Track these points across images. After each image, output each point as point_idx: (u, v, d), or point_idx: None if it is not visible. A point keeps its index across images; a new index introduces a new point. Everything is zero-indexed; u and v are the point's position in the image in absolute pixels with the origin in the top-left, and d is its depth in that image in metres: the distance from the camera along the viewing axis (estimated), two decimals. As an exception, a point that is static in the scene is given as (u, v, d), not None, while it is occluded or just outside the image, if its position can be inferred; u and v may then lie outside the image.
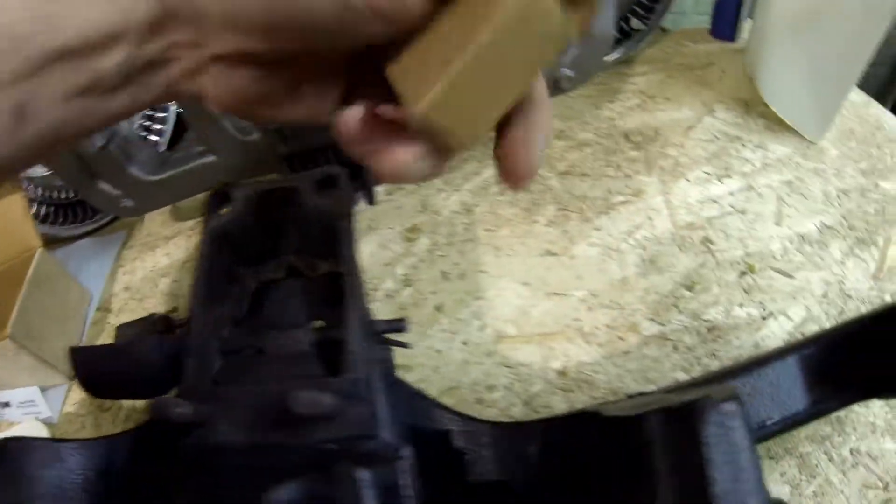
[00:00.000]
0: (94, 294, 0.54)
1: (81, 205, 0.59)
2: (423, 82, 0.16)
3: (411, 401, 0.33)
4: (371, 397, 0.28)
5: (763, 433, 0.35)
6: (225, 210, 0.40)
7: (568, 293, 0.44)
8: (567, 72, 0.47)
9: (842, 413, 0.41)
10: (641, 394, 0.35)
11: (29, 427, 0.45)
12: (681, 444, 0.23)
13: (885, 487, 0.40)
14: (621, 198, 0.48)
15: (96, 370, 0.35)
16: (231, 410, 0.28)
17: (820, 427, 0.41)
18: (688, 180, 0.48)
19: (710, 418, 0.22)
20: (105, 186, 0.50)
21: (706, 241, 0.46)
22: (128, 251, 0.58)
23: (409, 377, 0.43)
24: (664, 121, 0.52)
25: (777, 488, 0.39)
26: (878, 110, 0.58)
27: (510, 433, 0.30)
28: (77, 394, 0.48)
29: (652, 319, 0.42)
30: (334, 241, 0.36)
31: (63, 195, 0.58)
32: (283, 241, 0.42)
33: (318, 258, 0.41)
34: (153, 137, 0.62)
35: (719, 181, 0.49)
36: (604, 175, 0.50)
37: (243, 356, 0.34)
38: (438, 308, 0.46)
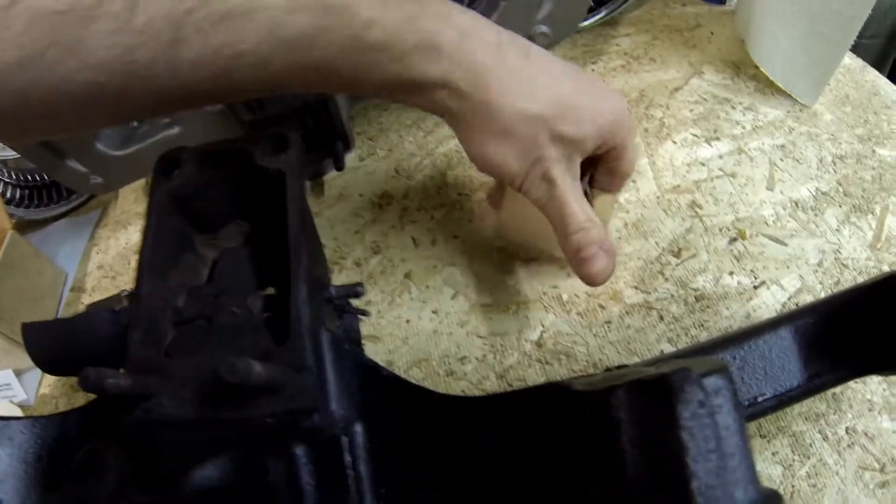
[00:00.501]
0: (69, 274, 0.53)
1: (56, 186, 0.58)
2: None
3: (366, 373, 0.29)
4: (317, 368, 0.26)
5: (754, 411, 0.31)
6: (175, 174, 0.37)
7: (542, 260, 0.40)
8: (542, 28, 0.44)
9: (837, 390, 0.38)
10: (622, 366, 0.32)
11: (3, 410, 0.44)
12: (653, 426, 0.19)
13: (882, 469, 0.37)
14: (604, 160, 0.44)
15: (48, 346, 0.33)
16: (174, 383, 0.26)
17: (814, 404, 0.38)
18: (674, 142, 0.45)
19: (689, 396, 0.19)
20: (73, 164, 0.48)
21: (694, 205, 0.42)
22: (101, 230, 0.56)
23: (378, 349, 0.40)
24: (649, 82, 0.49)
25: (768, 468, 0.36)
26: (874, 76, 0.55)
27: (471, 408, 0.27)
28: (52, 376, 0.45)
29: (636, 287, 0.39)
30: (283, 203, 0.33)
31: (36, 178, 0.57)
32: (238, 206, 0.39)
33: (271, 222, 0.38)
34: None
35: (708, 143, 0.45)
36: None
37: (195, 326, 0.31)
38: (408, 276, 0.42)
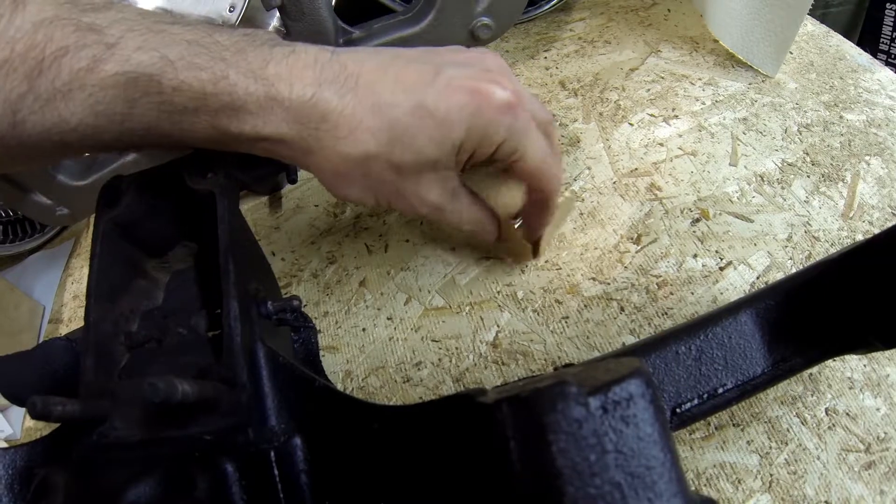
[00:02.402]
0: (46, 307, 0.53)
1: (28, 220, 0.58)
2: None
3: (303, 386, 0.28)
4: (252, 383, 0.26)
5: (716, 403, 0.30)
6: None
7: (497, 257, 0.39)
8: (485, 20, 0.43)
9: (814, 370, 0.37)
10: (569, 364, 0.30)
11: (-9, 446, 0.44)
12: (532, 446, 0.17)
13: (867, 449, 0.35)
14: (557, 148, 0.43)
15: (10, 379, 0.33)
16: (124, 406, 0.27)
17: (790, 387, 0.36)
18: (630, 124, 0.43)
19: (562, 415, 0.17)
20: (37, 197, 0.49)
21: (653, 187, 0.41)
22: (75, 260, 0.56)
23: (337, 359, 0.39)
24: (604, 65, 0.47)
25: (744, 458, 0.34)
26: (838, 40, 0.53)
27: (396, 417, 0.25)
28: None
29: (593, 279, 0.37)
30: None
31: (8, 213, 0.57)
32: (182, 228, 0.39)
33: (211, 241, 0.38)
34: None
35: (666, 123, 0.43)
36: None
37: (147, 349, 0.32)
38: (362, 283, 0.41)
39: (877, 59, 0.68)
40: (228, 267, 0.30)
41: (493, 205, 0.32)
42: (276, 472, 0.25)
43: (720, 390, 0.29)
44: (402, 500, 0.24)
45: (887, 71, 0.51)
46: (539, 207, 0.32)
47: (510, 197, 0.32)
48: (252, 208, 0.49)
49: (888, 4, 0.64)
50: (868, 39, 0.69)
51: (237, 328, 0.27)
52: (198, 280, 0.37)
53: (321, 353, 0.39)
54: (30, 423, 0.45)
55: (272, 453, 0.25)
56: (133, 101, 0.25)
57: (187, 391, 0.23)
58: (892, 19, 0.66)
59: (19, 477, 0.30)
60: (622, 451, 0.18)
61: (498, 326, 0.36)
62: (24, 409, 0.47)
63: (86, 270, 0.53)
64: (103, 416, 0.26)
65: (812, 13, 0.54)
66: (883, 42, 0.68)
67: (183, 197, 0.37)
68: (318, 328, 0.40)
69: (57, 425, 0.31)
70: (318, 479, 0.26)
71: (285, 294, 0.42)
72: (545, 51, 0.49)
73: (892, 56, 0.68)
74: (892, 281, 0.29)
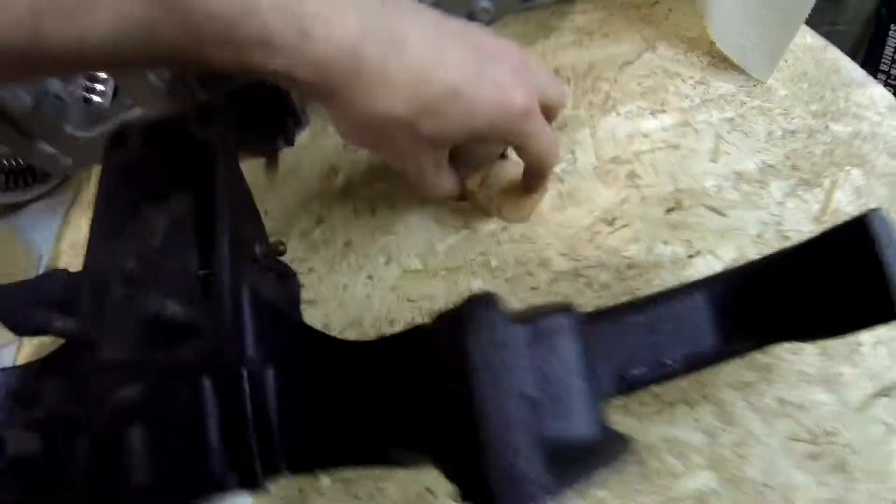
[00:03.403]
0: (44, 254, 0.55)
1: (30, 170, 0.60)
2: None
3: (280, 322, 0.30)
4: (235, 315, 0.28)
5: (663, 373, 0.31)
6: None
7: (477, 228, 0.41)
8: (484, 3, 0.44)
9: (769, 360, 0.38)
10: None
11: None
12: (451, 358, 0.19)
13: (814, 441, 0.37)
14: (544, 131, 0.44)
15: (10, 307, 0.34)
16: (116, 330, 0.28)
17: (743, 374, 0.37)
18: (618, 114, 0.45)
19: (483, 328, 0.19)
20: (42, 146, 0.49)
21: (632, 175, 0.42)
22: (74, 210, 0.57)
23: (316, 312, 0.41)
24: (599, 56, 0.49)
25: (690, 435, 0.35)
26: (836, 55, 0.54)
27: (364, 352, 0.27)
28: (28, 349, 0.47)
29: (565, 255, 0.39)
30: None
31: (10, 162, 0.58)
32: (183, 175, 0.41)
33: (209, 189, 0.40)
34: (96, 98, 0.62)
35: (653, 116, 0.45)
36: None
37: (142, 283, 0.33)
38: (347, 244, 0.43)
39: (876, 78, 0.69)
40: (223, 210, 0.32)
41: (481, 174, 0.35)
42: (247, 394, 0.26)
43: (668, 362, 0.31)
44: (365, 431, 0.26)
45: (881, 88, 0.52)
46: (533, 178, 0.36)
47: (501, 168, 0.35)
48: (249, 170, 0.51)
49: (892, 26, 0.65)
50: (870, 59, 0.70)
51: (226, 264, 0.29)
52: (194, 225, 0.39)
53: (302, 305, 0.41)
54: (20, 361, 0.47)
55: (245, 376, 0.26)
56: (158, 24, 0.24)
57: (176, 311, 0.26)
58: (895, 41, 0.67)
59: (12, 397, 0.31)
60: (544, 374, 0.20)
61: (470, 291, 0.38)
62: (14, 351, 0.49)
63: (84, 221, 0.56)
64: (96, 338, 0.28)
65: (818, 29, 0.55)
66: (884, 63, 0.68)
67: (185, 146, 0.39)
68: (302, 283, 0.42)
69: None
70: (286, 410, 0.27)
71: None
72: (544, 39, 0.50)
73: (892, 77, 0.69)
74: (834, 275, 0.30)
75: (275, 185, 0.48)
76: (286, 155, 0.51)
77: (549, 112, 0.35)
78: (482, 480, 0.18)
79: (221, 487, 0.25)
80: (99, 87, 0.61)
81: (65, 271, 0.36)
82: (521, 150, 0.33)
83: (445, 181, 0.34)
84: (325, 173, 0.48)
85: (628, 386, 0.31)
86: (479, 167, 0.36)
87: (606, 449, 0.21)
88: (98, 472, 0.25)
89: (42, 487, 0.26)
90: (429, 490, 0.34)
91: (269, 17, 0.24)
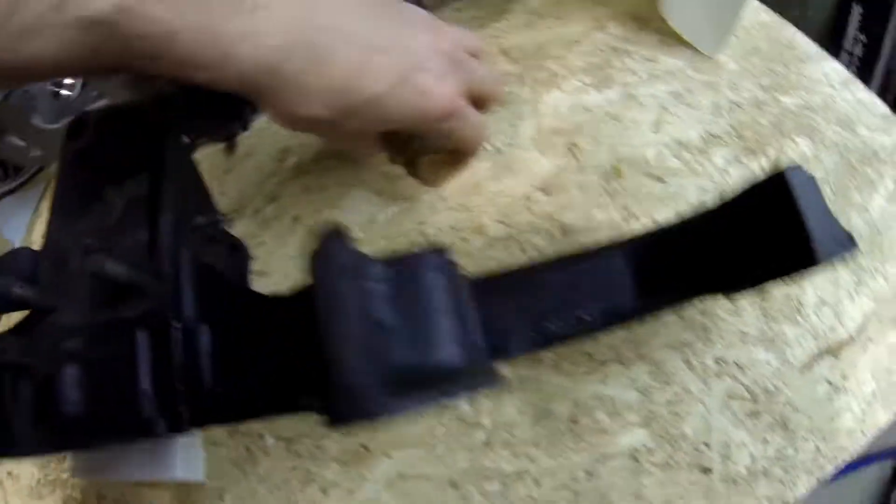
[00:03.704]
0: (16, 245, 0.56)
1: (2, 165, 0.61)
2: None
3: (216, 282, 0.32)
4: (175, 276, 0.30)
5: (580, 327, 0.32)
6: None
7: (417, 198, 0.42)
8: (429, -11, 0.46)
9: (708, 320, 0.38)
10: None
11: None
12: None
13: (754, 399, 0.37)
14: (487, 108, 0.46)
15: None
16: (72, 296, 0.30)
17: (680, 333, 0.38)
18: (562, 90, 0.46)
19: (332, 260, 0.20)
20: (12, 139, 0.53)
21: (572, 146, 0.43)
22: (45, 202, 0.58)
23: (266, 282, 0.42)
24: (549, 37, 0.50)
25: (624, 394, 0.36)
26: (791, 32, 0.55)
27: (281, 304, 0.28)
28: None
29: (500, 221, 0.40)
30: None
31: None
32: (140, 158, 0.44)
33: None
34: (64, 92, 0.64)
35: (597, 91, 0.46)
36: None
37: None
38: (296, 219, 0.45)
39: (839, 58, 0.69)
40: (167, 185, 0.34)
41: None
42: (176, 345, 0.28)
43: (585, 316, 0.31)
44: (279, 379, 0.27)
45: (835, 63, 0.53)
46: (459, 155, 0.38)
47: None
48: (209, 154, 0.53)
49: (853, 4, 0.65)
50: (833, 38, 0.70)
51: (167, 232, 0.31)
52: (147, 204, 0.41)
53: (254, 276, 0.43)
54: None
55: (175, 330, 0.28)
56: (97, 47, 0.26)
57: (118, 270, 0.28)
58: (858, 20, 0.67)
59: None
60: (405, 305, 0.21)
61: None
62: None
63: (54, 214, 0.58)
64: (53, 306, 0.30)
65: (788, 14, 0.56)
66: (846, 42, 0.68)
67: (140, 131, 0.41)
68: (253, 256, 0.44)
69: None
70: (220, 366, 0.28)
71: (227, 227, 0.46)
72: (495, 22, 0.52)
73: (855, 57, 0.68)
74: (753, 228, 0.31)
75: (232, 168, 0.50)
76: (243, 139, 0.52)
77: (481, 103, 0.36)
78: (327, 395, 0.19)
79: (151, 429, 0.27)
80: (67, 80, 0.63)
81: (29, 249, 0.39)
82: (445, 138, 0.36)
83: (371, 150, 0.37)
84: (278, 154, 0.50)
85: (545, 339, 0.32)
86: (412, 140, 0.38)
87: (473, 377, 0.22)
88: (38, 407, 0.27)
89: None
90: (363, 446, 0.35)
91: (192, 38, 0.26)
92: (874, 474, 0.85)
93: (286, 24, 0.27)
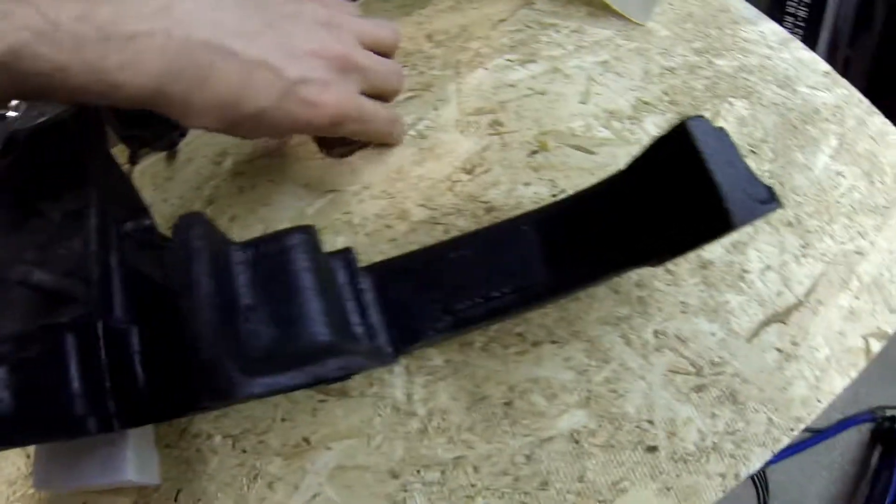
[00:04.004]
0: None
1: None
2: None
3: (147, 285, 0.32)
4: (103, 280, 0.29)
5: (492, 307, 0.30)
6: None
7: (342, 189, 0.40)
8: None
9: (645, 293, 0.37)
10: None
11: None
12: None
13: (699, 372, 0.35)
14: (409, 94, 0.44)
15: None
16: (9, 308, 0.30)
17: (615, 308, 0.36)
18: (485, 69, 0.44)
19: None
20: None
21: (494, 123, 0.41)
22: None
23: None
24: (473, 18, 0.49)
25: (559, 374, 0.34)
26: (726, -4, 0.53)
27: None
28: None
29: (422, 205, 0.38)
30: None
31: None
32: (72, 173, 0.43)
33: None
34: (11, 113, 0.63)
35: (522, 66, 0.44)
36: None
37: None
38: (232, 219, 0.44)
39: (783, 23, 0.68)
40: (91, 191, 0.34)
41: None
42: (102, 348, 0.28)
43: (495, 294, 0.30)
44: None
45: (773, 24, 0.51)
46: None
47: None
48: (152, 164, 0.52)
49: (796, -34, 0.64)
50: (777, 2, 0.69)
51: (93, 238, 0.31)
52: (81, 215, 0.41)
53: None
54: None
55: (100, 330, 0.28)
56: None
57: (43, 278, 0.28)
58: (800, -19, 0.66)
59: None
60: (267, 286, 0.20)
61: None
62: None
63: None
64: None
65: None
66: (790, 5, 0.67)
67: (71, 144, 0.40)
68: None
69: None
70: (155, 364, 0.28)
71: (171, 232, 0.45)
72: (421, 8, 0.51)
73: (799, 19, 0.67)
74: (664, 191, 0.29)
75: (174, 175, 0.48)
76: (184, 145, 0.52)
77: (384, 97, 0.37)
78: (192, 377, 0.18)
79: (83, 427, 0.27)
80: (13, 101, 0.63)
81: None
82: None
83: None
84: (215, 157, 0.49)
85: (456, 321, 0.30)
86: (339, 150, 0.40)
87: (352, 355, 0.20)
88: None
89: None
90: (305, 439, 0.34)
91: (79, 72, 0.27)
92: (853, 437, 0.84)
93: (164, 47, 0.28)
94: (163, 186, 0.49)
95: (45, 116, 0.54)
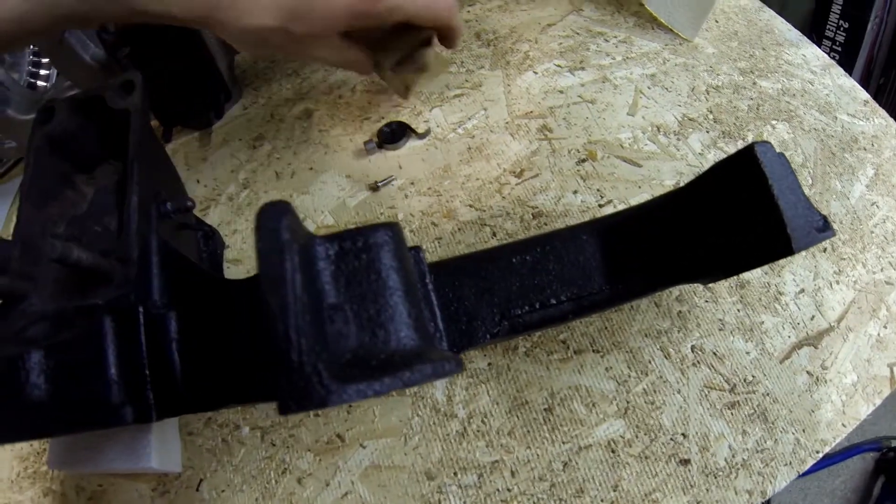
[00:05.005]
0: None
1: None
2: None
3: (187, 270, 0.31)
4: (142, 262, 0.29)
5: (549, 313, 0.30)
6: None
7: (387, 183, 0.40)
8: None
9: (685, 308, 0.37)
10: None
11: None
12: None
13: (732, 389, 0.35)
14: (458, 91, 0.44)
15: None
16: (41, 285, 0.30)
17: (656, 321, 0.36)
18: (535, 73, 0.44)
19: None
20: None
21: (544, 128, 0.42)
22: None
23: (238, 270, 0.41)
24: (523, 20, 0.49)
25: (600, 383, 0.34)
26: (769, 16, 0.54)
27: (249, 289, 0.27)
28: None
29: (470, 206, 0.38)
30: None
31: None
32: (108, 147, 0.42)
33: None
34: (40, 83, 0.63)
35: (571, 73, 0.44)
36: (443, 72, 0.46)
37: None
38: (269, 205, 0.43)
39: (821, 45, 0.68)
40: (133, 169, 0.33)
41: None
42: (143, 332, 0.27)
43: (553, 301, 0.30)
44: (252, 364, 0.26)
45: (816, 49, 0.52)
46: (442, 35, 0.36)
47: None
48: (185, 142, 0.51)
49: (836, -8, 0.65)
50: (816, 25, 0.69)
51: (134, 217, 0.30)
52: (117, 191, 0.40)
53: (226, 264, 0.41)
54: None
55: (141, 316, 0.27)
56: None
57: (81, 256, 0.27)
58: (840, 7, 0.66)
59: None
60: (352, 285, 0.20)
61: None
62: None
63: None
64: (24, 294, 0.29)
65: (771, 1, 0.55)
66: (829, 29, 0.68)
67: (107, 118, 0.40)
68: (227, 244, 0.42)
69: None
70: (190, 351, 0.27)
71: (203, 215, 0.44)
72: (469, 5, 0.50)
73: (836, 43, 0.68)
74: (725, 211, 0.29)
75: (208, 156, 0.48)
76: (220, 127, 0.51)
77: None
78: (277, 380, 0.18)
79: (118, 416, 0.26)
80: (43, 71, 0.62)
81: (0, 238, 0.37)
82: (410, 23, 0.34)
83: (350, 56, 0.35)
84: (252, 142, 0.48)
85: (512, 326, 0.30)
86: (397, 50, 0.37)
87: (430, 363, 0.20)
88: (2, 393, 0.26)
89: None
90: (338, 436, 0.34)
91: None
92: (857, 465, 0.85)
93: None
94: (196, 167, 0.49)
95: (76, 90, 0.53)
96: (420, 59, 0.36)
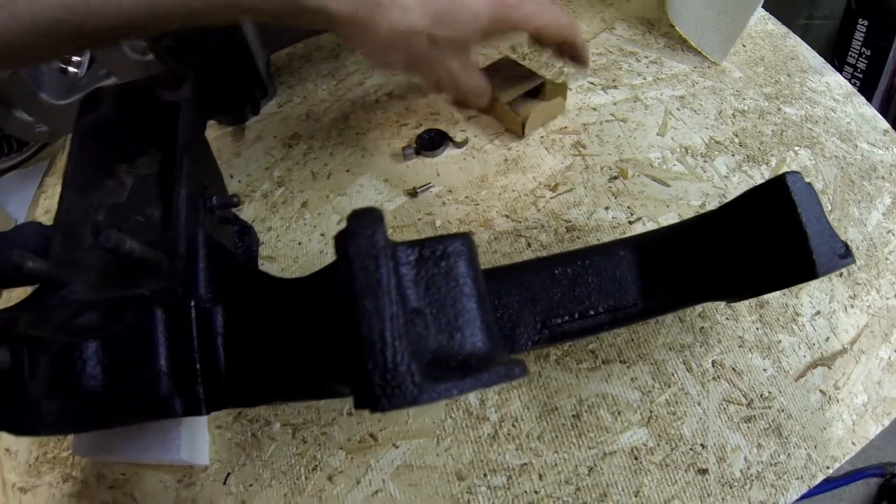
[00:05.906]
0: (18, 220, 0.56)
1: (6, 140, 0.61)
2: None
3: (231, 264, 0.32)
4: (189, 255, 0.29)
5: (586, 324, 0.32)
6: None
7: (426, 189, 0.42)
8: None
9: (707, 325, 0.38)
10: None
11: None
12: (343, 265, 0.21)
13: (749, 404, 0.37)
14: (496, 102, 0.45)
15: None
16: (84, 272, 0.30)
17: (680, 335, 0.38)
18: (570, 89, 0.46)
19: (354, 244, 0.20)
20: (20, 114, 0.51)
21: (577, 144, 0.43)
22: (49, 178, 0.58)
23: (273, 266, 0.42)
24: (558, 35, 0.50)
25: (625, 393, 0.36)
26: (795, 42, 0.55)
27: (299, 287, 0.28)
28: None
29: (506, 216, 0.40)
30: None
31: None
32: (151, 137, 0.43)
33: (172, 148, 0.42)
34: (72, 69, 0.63)
35: (604, 91, 0.46)
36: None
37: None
38: (304, 204, 0.44)
39: (843, 71, 0.70)
40: (182, 162, 0.33)
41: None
42: (194, 326, 0.27)
43: (591, 312, 0.31)
44: (304, 362, 0.27)
45: (839, 77, 0.53)
46: (568, 53, 0.38)
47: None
48: (218, 137, 0.52)
49: (860, 20, 0.66)
50: (838, 51, 0.71)
51: (183, 210, 0.31)
52: (159, 182, 0.41)
53: (260, 261, 0.42)
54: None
55: (193, 309, 0.28)
56: None
57: (134, 247, 0.27)
58: (863, 34, 0.68)
59: None
60: (431, 289, 0.21)
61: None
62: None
63: (59, 188, 0.57)
64: (66, 281, 0.29)
65: (794, 25, 0.56)
66: (851, 55, 0.69)
67: (153, 109, 0.40)
68: (261, 240, 0.43)
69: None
70: (234, 346, 0.28)
71: (237, 211, 0.45)
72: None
73: (858, 70, 0.69)
74: (754, 235, 0.31)
75: (241, 151, 0.49)
76: (253, 123, 0.52)
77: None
78: (364, 379, 0.19)
79: (168, 409, 0.26)
80: (75, 58, 0.63)
81: (37, 223, 0.38)
82: (537, 36, 0.36)
83: (476, 79, 0.36)
84: (287, 140, 0.49)
85: (551, 335, 0.31)
86: (515, 90, 0.39)
87: (499, 366, 0.21)
88: (56, 382, 0.26)
89: (6, 395, 0.26)
90: (371, 435, 0.35)
91: None
92: (860, 490, 0.85)
93: None
94: (230, 162, 0.50)
95: (112, 76, 0.54)
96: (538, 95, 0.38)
